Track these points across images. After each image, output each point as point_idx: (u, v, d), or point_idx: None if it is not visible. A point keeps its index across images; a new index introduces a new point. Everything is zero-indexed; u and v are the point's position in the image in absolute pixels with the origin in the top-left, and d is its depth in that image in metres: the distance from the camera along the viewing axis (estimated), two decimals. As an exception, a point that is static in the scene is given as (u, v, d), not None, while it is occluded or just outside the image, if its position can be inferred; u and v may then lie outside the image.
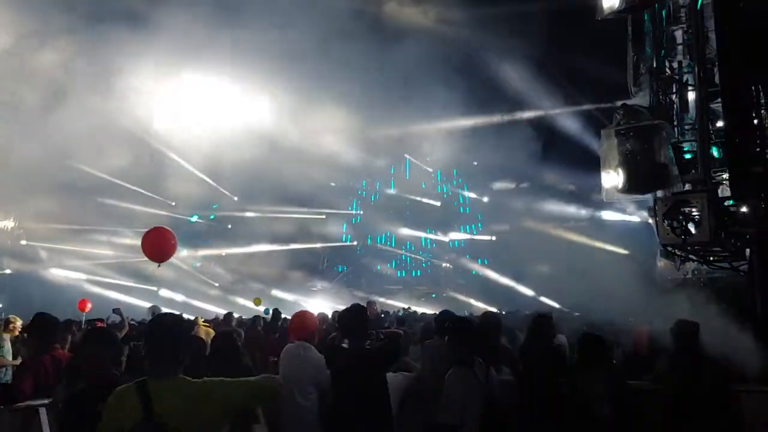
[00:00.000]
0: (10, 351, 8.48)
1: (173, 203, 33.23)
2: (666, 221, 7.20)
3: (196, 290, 31.57)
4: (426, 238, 37.39)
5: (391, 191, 40.21)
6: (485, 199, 33.51)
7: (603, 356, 5.70)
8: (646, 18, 8.40)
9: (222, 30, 20.18)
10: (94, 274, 30.30)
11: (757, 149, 7.39)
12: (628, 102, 8.16)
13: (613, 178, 7.44)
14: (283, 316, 13.40)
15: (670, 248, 7.60)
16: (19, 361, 7.64)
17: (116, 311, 9.69)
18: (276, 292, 32.54)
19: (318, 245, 36.86)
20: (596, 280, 9.07)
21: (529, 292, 20.68)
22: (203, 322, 11.02)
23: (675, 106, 8.41)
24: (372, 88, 21.48)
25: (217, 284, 33.85)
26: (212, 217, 35.77)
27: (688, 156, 7.83)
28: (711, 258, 8.21)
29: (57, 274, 29.48)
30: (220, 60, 20.81)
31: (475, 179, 33.86)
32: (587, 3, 9.04)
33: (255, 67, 20.60)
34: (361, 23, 20.68)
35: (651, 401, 5.64)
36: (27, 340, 7.99)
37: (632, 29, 8.54)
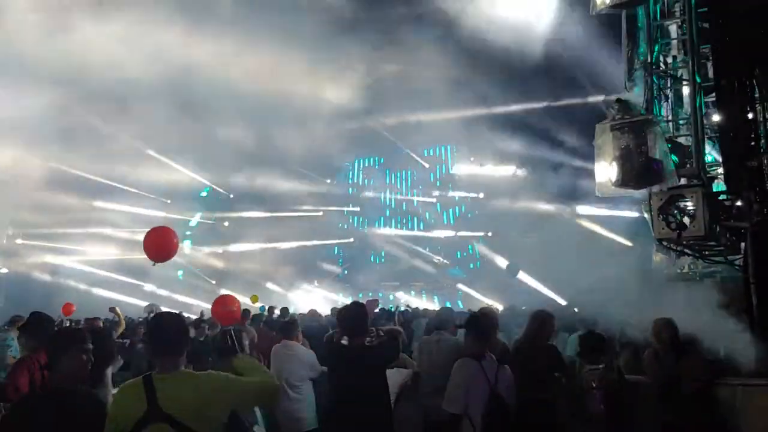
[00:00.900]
0: (18, 349, 8.47)
1: (168, 201, 33.27)
2: (661, 216, 7.21)
3: (187, 286, 31.54)
4: (423, 235, 37.36)
5: (389, 186, 40.32)
6: (481, 195, 33.48)
7: (602, 353, 5.74)
8: (640, 13, 8.40)
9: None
10: (88, 271, 30.25)
11: (752, 143, 7.41)
12: (623, 97, 8.16)
13: (607, 173, 7.44)
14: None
15: (665, 243, 7.61)
16: None
17: (112, 310, 9.68)
18: (272, 287, 32.57)
19: (316, 242, 36.88)
20: (597, 275, 9.09)
21: (531, 286, 20.62)
22: None
23: (669, 100, 8.42)
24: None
25: (213, 281, 33.85)
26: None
27: (682, 150, 7.84)
28: (706, 252, 8.23)
29: (52, 272, 29.42)
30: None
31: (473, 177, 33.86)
32: None
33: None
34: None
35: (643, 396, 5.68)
36: (22, 338, 7.97)
37: (626, 24, 8.54)
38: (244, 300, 27.20)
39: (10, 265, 29.67)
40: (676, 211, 7.11)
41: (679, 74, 8.44)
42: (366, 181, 41.79)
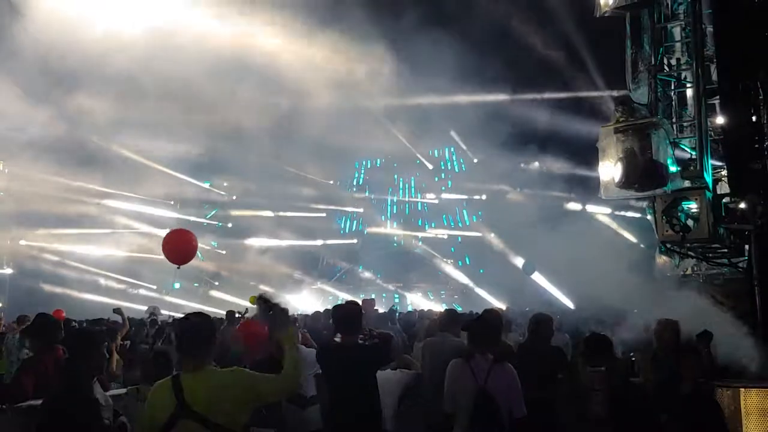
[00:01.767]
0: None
1: (172, 202, 33.33)
2: (665, 218, 7.22)
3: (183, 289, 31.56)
4: (424, 235, 37.34)
5: (394, 187, 40.36)
6: (483, 197, 33.47)
7: (605, 355, 5.73)
8: (644, 15, 8.40)
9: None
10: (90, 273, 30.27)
11: (756, 146, 7.41)
12: (627, 99, 8.17)
13: (611, 175, 7.45)
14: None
15: (669, 245, 7.62)
16: None
17: (116, 311, 9.69)
18: (272, 288, 32.52)
19: (319, 243, 36.90)
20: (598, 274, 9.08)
21: (537, 287, 20.50)
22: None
23: (673, 103, 8.43)
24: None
25: (216, 283, 33.89)
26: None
27: (686, 153, 7.85)
28: (710, 255, 8.23)
29: (57, 274, 29.44)
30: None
31: (473, 175, 33.83)
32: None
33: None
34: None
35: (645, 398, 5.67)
36: (28, 340, 8.00)
37: (630, 26, 8.54)
38: (244, 302, 27.34)
39: (14, 266, 29.74)
40: (680, 214, 7.12)
41: (682, 77, 8.45)
42: (370, 181, 41.81)
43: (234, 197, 36.11)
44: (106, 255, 30.35)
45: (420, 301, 30.83)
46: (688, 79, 8.28)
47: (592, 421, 5.53)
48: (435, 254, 35.75)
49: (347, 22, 19.90)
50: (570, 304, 15.54)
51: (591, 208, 21.75)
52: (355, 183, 42.23)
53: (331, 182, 39.42)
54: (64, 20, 16.43)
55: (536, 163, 27.55)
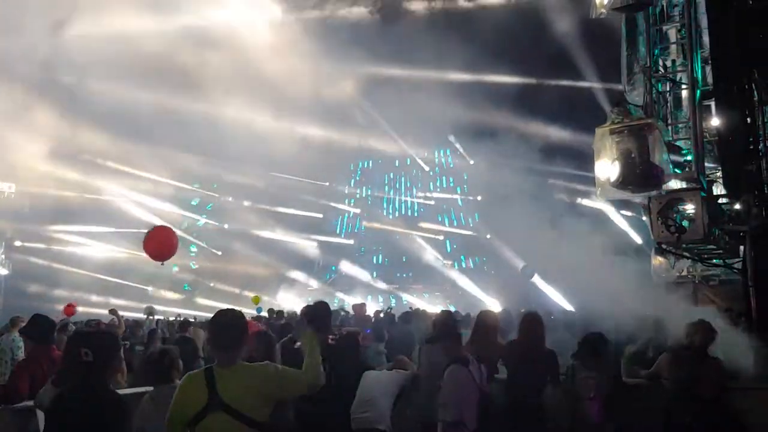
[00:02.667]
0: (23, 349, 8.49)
1: (171, 203, 33.30)
2: (660, 219, 7.22)
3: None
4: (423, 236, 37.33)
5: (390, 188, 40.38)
6: (479, 198, 33.49)
7: (599, 357, 5.72)
8: (639, 16, 8.42)
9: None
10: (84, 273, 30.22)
11: (751, 147, 7.43)
12: (623, 100, 8.18)
13: (607, 176, 7.45)
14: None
15: (664, 246, 7.63)
16: None
17: (112, 312, 9.66)
18: (269, 287, 32.52)
19: (316, 242, 36.90)
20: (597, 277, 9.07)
21: (535, 288, 20.50)
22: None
23: (669, 104, 8.45)
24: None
25: (212, 283, 33.86)
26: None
27: (681, 154, 7.86)
28: (705, 256, 8.25)
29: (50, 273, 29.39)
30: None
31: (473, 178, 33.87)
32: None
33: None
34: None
35: (649, 398, 5.66)
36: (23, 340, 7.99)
37: (626, 27, 8.56)
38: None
39: (9, 266, 29.69)
40: (675, 215, 7.12)
41: (678, 78, 8.47)
42: (366, 182, 41.83)
43: (230, 198, 36.12)
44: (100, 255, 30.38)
45: (415, 302, 30.82)
46: (683, 80, 8.30)
47: (587, 425, 5.54)
48: (432, 255, 35.78)
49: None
50: (569, 306, 15.52)
51: (590, 205, 21.79)
52: (351, 184, 42.25)
53: (327, 184, 39.45)
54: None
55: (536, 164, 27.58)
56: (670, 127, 8.26)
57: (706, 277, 8.85)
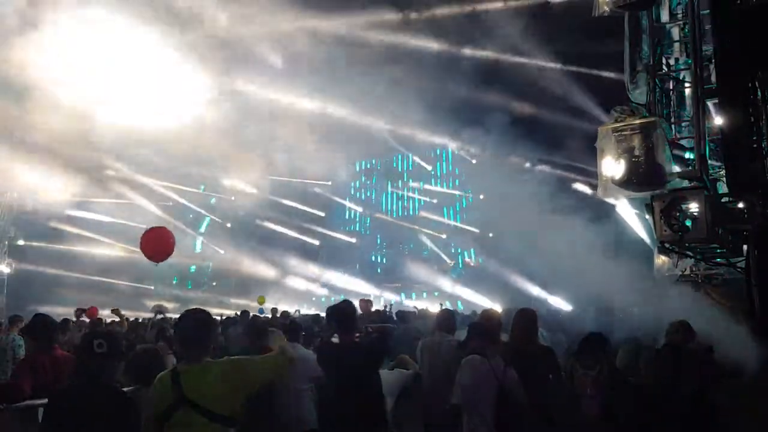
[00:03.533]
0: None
1: (171, 203, 33.35)
2: (663, 218, 7.20)
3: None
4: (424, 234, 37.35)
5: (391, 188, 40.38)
6: (481, 197, 33.45)
7: (600, 355, 5.73)
8: (642, 14, 8.39)
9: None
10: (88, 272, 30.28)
11: (754, 146, 7.40)
12: (625, 99, 8.17)
13: (609, 175, 7.44)
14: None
15: (667, 245, 7.61)
16: None
17: (115, 311, 9.70)
18: (270, 286, 32.54)
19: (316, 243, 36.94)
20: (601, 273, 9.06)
21: (534, 288, 20.47)
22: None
23: (672, 103, 8.42)
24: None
25: (214, 283, 33.89)
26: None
27: (685, 153, 7.84)
28: (708, 255, 8.23)
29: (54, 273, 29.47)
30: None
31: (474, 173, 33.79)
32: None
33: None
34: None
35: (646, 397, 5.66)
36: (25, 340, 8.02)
37: (629, 26, 8.53)
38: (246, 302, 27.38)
39: (12, 265, 29.74)
40: (678, 214, 7.10)
41: (681, 76, 8.44)
42: (367, 183, 41.83)
43: (232, 198, 36.15)
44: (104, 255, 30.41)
45: (416, 301, 30.85)
46: (686, 79, 8.27)
47: (587, 423, 5.54)
48: (433, 252, 35.80)
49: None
50: (569, 306, 15.51)
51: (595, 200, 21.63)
52: (353, 183, 42.23)
53: (329, 183, 39.46)
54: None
55: (534, 164, 27.54)
56: (673, 126, 8.24)
57: (708, 276, 8.82)
